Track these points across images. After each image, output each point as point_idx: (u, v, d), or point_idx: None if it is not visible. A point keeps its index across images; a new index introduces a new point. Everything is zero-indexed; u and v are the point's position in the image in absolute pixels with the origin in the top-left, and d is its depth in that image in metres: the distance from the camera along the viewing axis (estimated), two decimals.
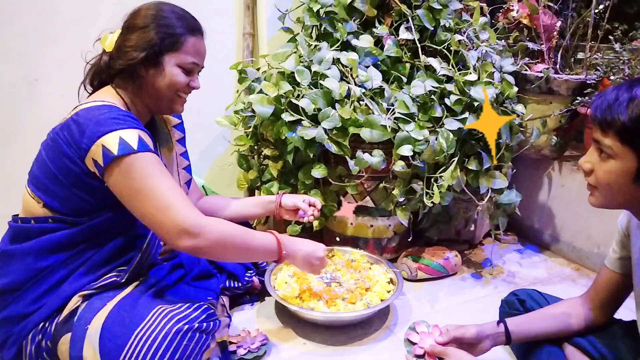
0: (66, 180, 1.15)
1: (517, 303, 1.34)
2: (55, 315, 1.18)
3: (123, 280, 1.23)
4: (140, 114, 1.26)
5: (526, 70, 1.85)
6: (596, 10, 1.82)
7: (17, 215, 1.25)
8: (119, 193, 1.13)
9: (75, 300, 1.17)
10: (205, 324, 1.16)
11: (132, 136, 1.10)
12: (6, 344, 1.19)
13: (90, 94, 1.28)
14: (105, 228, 1.20)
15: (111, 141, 1.09)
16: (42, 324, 1.17)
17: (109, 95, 1.22)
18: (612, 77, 1.69)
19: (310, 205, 1.54)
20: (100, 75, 1.25)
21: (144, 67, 1.20)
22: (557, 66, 1.88)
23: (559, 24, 1.88)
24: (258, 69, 1.84)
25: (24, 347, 1.17)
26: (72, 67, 1.44)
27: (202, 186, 1.95)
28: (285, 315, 1.57)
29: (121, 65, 1.19)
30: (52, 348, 1.15)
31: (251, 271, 1.60)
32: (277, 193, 1.60)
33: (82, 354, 1.10)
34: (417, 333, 1.19)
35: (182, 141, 1.47)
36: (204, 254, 1.17)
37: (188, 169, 1.48)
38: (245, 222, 1.61)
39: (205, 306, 1.24)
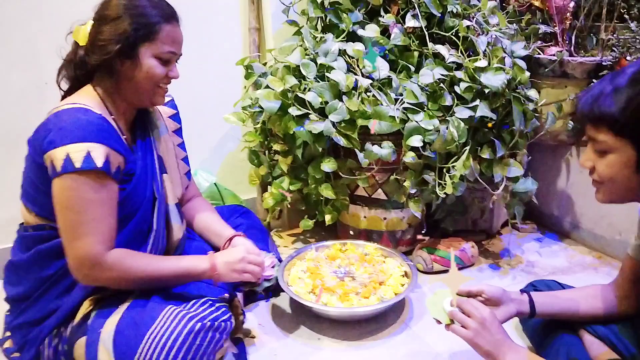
0: (45, 187, 1.13)
1: None
2: (70, 319, 1.19)
3: None
4: (121, 110, 1.22)
5: (539, 53, 1.80)
6: None
7: (20, 224, 1.26)
8: (53, 203, 1.11)
9: (87, 305, 1.18)
10: (217, 323, 1.15)
11: (79, 152, 1.07)
12: (24, 348, 1.21)
13: (66, 92, 1.24)
14: None
15: (59, 156, 1.07)
16: (57, 329, 1.19)
17: (85, 96, 1.17)
18: (628, 58, 1.63)
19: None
20: (77, 71, 1.20)
21: (120, 60, 1.15)
22: (572, 48, 1.83)
23: (572, 4, 1.82)
24: (265, 64, 1.83)
25: (42, 351, 1.19)
26: None
27: (214, 184, 1.95)
28: (299, 310, 1.56)
29: (96, 60, 1.14)
30: (69, 351, 1.17)
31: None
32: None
33: (97, 357, 1.11)
34: None
35: (178, 132, 1.44)
36: (104, 286, 1.18)
37: (186, 160, 1.46)
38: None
39: (219, 304, 1.23)
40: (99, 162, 1.09)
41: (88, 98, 1.17)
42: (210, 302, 1.22)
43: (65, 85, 1.24)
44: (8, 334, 1.34)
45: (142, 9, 1.15)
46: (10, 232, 1.71)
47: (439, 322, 1.12)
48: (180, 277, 1.23)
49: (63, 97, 1.25)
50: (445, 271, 1.77)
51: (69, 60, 1.22)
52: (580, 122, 0.97)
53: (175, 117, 1.43)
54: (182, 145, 1.45)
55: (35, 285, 1.20)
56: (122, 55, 1.14)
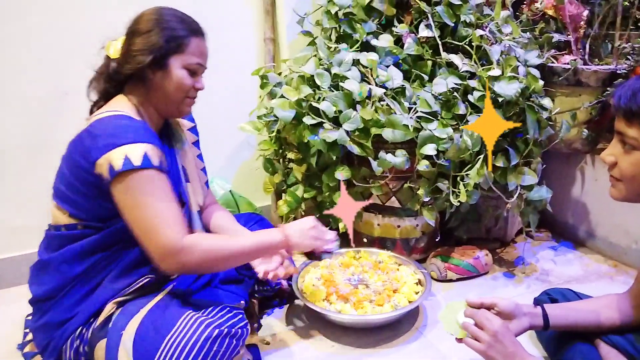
0: (86, 190, 1.18)
1: (550, 303, 1.31)
2: (92, 320, 1.21)
3: (157, 278, 1.25)
4: (152, 119, 1.28)
5: (553, 62, 1.80)
6: None
7: (49, 224, 1.29)
8: (118, 206, 1.15)
9: (110, 307, 1.21)
10: (234, 330, 1.17)
11: (137, 151, 1.12)
12: (47, 349, 1.24)
13: (95, 103, 1.30)
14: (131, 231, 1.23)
15: (116, 156, 1.11)
16: (79, 330, 1.21)
17: (121, 104, 1.23)
18: None
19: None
20: (109, 83, 1.27)
21: (152, 70, 1.21)
22: (586, 56, 1.82)
23: (586, 12, 1.82)
24: (280, 74, 1.85)
25: (64, 352, 1.22)
26: None
27: (230, 191, 1.97)
28: (313, 317, 1.57)
29: (129, 69, 1.20)
30: (90, 353, 1.19)
31: None
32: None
33: (117, 358, 1.13)
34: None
35: (197, 144, 1.49)
36: (188, 272, 1.24)
37: (204, 170, 1.51)
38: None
39: (236, 310, 1.25)
40: (155, 162, 1.14)
41: (125, 106, 1.23)
42: (228, 308, 1.24)
43: (93, 97, 1.30)
44: (29, 337, 1.37)
45: (172, 23, 1.22)
46: (32, 237, 1.76)
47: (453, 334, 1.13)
48: (259, 250, 1.28)
49: (92, 108, 1.31)
50: (459, 279, 1.78)
51: (100, 73, 1.28)
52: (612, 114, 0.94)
53: (194, 130, 1.49)
54: (200, 157, 1.50)
55: (61, 284, 1.22)
56: (154, 65, 1.20)
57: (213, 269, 1.28)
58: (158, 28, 1.20)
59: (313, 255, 1.40)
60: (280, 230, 1.30)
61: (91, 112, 1.31)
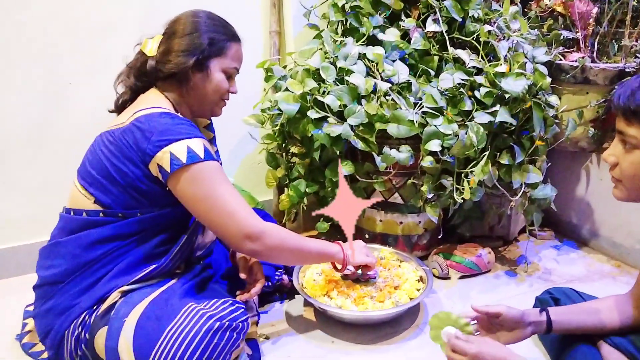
0: (123, 180, 1.20)
1: (552, 302, 1.30)
2: (95, 308, 1.21)
3: (163, 265, 1.26)
4: (185, 117, 1.29)
5: (561, 59, 1.79)
6: None
7: (68, 207, 1.28)
8: (184, 198, 1.18)
9: (114, 295, 1.21)
10: (235, 323, 1.17)
11: (198, 145, 1.16)
12: (48, 336, 1.23)
13: (121, 96, 1.32)
14: (154, 223, 1.25)
15: (179, 149, 1.14)
16: (83, 316, 1.21)
17: (160, 100, 1.25)
18: None
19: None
20: (140, 78, 1.29)
21: (192, 71, 1.24)
22: (594, 54, 1.80)
23: (595, 10, 1.80)
24: (285, 67, 1.84)
25: (65, 339, 1.22)
26: (99, 72, 1.47)
27: (232, 184, 1.96)
28: (313, 313, 1.56)
29: (172, 69, 1.24)
30: (90, 340, 1.19)
31: (281, 270, 1.61)
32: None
33: (117, 345, 1.13)
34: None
35: (213, 141, 1.51)
36: (263, 257, 1.29)
37: None
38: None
39: (237, 304, 1.25)
40: (214, 154, 1.20)
41: (164, 103, 1.25)
42: (230, 301, 1.24)
43: (120, 89, 1.33)
44: (28, 328, 1.37)
45: (214, 27, 1.27)
46: (30, 229, 1.75)
47: None
48: (322, 257, 1.40)
49: (119, 100, 1.33)
50: (462, 277, 1.77)
51: (131, 67, 1.31)
52: (613, 113, 0.95)
53: (210, 127, 1.50)
54: (217, 153, 1.51)
55: (72, 268, 1.22)
56: (196, 66, 1.24)
57: (281, 258, 1.33)
58: (200, 31, 1.24)
59: (359, 281, 1.52)
60: (336, 244, 1.40)
61: (118, 104, 1.33)
